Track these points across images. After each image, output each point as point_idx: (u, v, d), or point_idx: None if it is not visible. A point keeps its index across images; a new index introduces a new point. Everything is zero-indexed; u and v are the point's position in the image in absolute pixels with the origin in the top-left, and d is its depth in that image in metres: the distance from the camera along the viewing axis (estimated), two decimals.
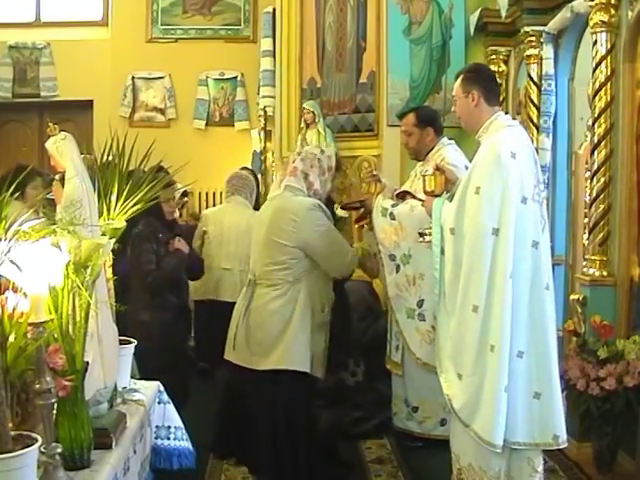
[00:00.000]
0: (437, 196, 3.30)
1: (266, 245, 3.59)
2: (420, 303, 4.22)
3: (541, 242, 3.11)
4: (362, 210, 4.46)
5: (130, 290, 4.07)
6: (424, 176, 3.43)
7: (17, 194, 2.48)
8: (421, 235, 3.50)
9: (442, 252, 3.19)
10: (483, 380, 3.02)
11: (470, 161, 3.39)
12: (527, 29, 5.20)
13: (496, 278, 3.01)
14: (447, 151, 4.38)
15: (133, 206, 2.80)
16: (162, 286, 4.25)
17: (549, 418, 3.10)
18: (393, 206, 4.22)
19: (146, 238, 4.18)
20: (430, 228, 3.36)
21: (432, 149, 4.44)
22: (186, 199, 7.14)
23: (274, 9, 7.14)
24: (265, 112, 7.55)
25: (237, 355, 3.64)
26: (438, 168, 3.41)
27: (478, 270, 3.03)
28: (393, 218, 4.21)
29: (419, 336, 4.25)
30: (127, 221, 3.63)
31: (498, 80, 5.70)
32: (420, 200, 3.73)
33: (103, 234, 2.49)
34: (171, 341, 4.19)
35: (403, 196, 4.24)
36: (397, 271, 4.29)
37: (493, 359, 3.00)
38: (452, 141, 4.50)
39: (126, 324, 3.67)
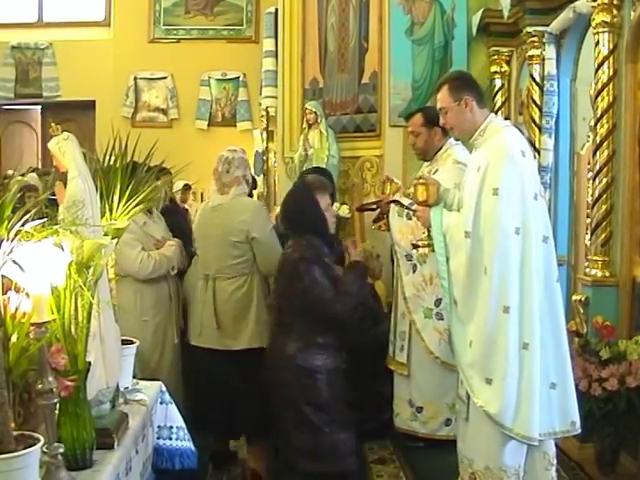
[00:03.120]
0: (430, 206, 3.28)
1: (223, 245, 4.00)
2: (438, 302, 4.22)
3: (550, 236, 3.14)
4: (378, 211, 4.47)
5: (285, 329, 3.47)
6: (415, 185, 3.41)
7: None
8: (415, 247, 3.45)
9: (447, 261, 3.18)
10: (520, 379, 3.04)
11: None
12: (529, 29, 5.19)
13: (525, 276, 3.03)
14: (456, 151, 4.37)
15: (135, 206, 2.81)
16: (354, 312, 3.46)
17: (566, 406, 3.16)
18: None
19: (314, 261, 3.37)
20: (424, 239, 3.32)
21: (440, 149, 4.44)
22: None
23: (276, 9, 7.14)
24: (267, 112, 7.56)
25: (206, 339, 4.03)
26: (423, 179, 3.41)
27: (507, 271, 3.02)
28: (409, 218, 4.21)
29: (438, 335, 4.25)
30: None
31: (500, 81, 5.76)
32: (410, 209, 3.71)
33: (105, 234, 2.49)
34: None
35: (390, 202, 4.25)
36: (414, 271, 4.30)
37: (528, 357, 3.03)
38: (459, 142, 4.49)
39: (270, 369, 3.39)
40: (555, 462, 3.22)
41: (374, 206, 4.55)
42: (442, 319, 4.20)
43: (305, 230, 3.45)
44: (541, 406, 3.07)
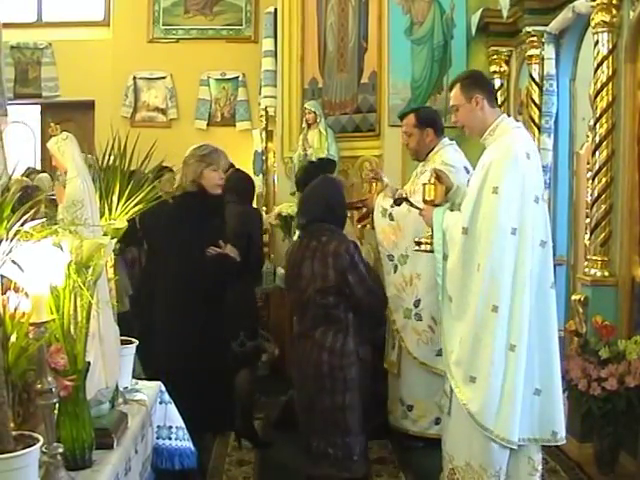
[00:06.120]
0: (436, 205, 3.28)
1: None
2: (417, 303, 4.23)
3: (548, 241, 3.14)
4: (364, 210, 4.47)
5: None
6: (424, 185, 3.41)
7: None
8: (417, 244, 3.46)
9: (444, 258, 3.18)
10: (504, 380, 3.03)
11: (475, 163, 3.39)
12: (528, 29, 5.20)
13: (517, 278, 3.03)
14: (447, 152, 4.38)
15: (134, 206, 2.81)
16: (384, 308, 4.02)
17: (548, 414, 3.13)
18: (392, 206, 4.23)
19: (362, 261, 3.55)
20: (427, 237, 3.32)
21: (432, 149, 4.44)
22: None
23: (275, 9, 7.13)
24: (266, 112, 7.54)
25: None
26: (437, 174, 3.40)
27: (499, 270, 3.03)
28: (392, 218, 4.23)
29: (416, 336, 4.26)
30: None
31: (499, 80, 5.76)
32: (417, 208, 3.71)
33: (105, 234, 2.49)
34: None
35: (400, 202, 4.23)
36: (395, 271, 4.30)
37: (513, 359, 3.03)
38: (453, 142, 4.50)
39: None
40: (540, 468, 3.21)
41: (360, 204, 4.56)
42: (421, 320, 4.22)
43: (340, 225, 3.61)
44: (523, 410, 3.06)
